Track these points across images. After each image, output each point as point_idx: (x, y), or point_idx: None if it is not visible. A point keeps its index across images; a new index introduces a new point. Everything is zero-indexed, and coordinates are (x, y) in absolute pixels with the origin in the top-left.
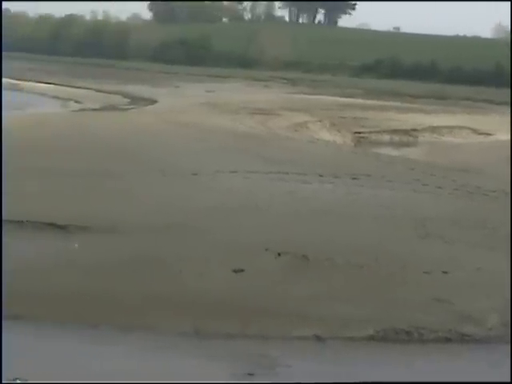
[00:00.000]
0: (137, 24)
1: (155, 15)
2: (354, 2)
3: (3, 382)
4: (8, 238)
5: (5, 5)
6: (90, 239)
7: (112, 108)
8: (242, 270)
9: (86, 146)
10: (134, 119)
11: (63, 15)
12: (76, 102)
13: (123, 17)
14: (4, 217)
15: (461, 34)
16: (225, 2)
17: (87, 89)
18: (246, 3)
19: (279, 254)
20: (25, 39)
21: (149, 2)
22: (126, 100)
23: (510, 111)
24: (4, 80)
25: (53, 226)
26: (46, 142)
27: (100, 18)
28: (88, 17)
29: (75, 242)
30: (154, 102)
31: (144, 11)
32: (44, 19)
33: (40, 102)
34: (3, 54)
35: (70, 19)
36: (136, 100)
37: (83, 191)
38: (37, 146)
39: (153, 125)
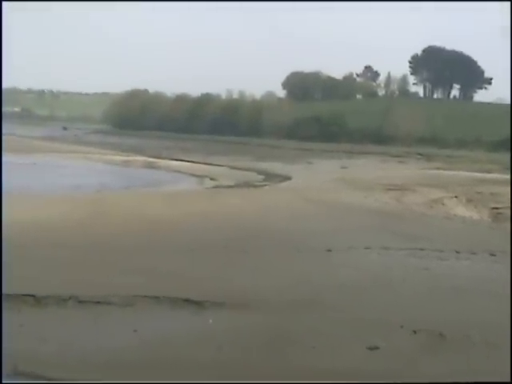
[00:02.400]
0: (271, 102)
1: (289, 93)
2: (490, 77)
3: (3, 382)
4: (145, 313)
5: (143, 85)
6: (225, 315)
7: (246, 185)
8: (377, 348)
9: (221, 222)
10: (268, 196)
11: (199, 94)
12: (211, 179)
13: (258, 95)
14: (141, 293)
15: None
16: (358, 79)
17: (222, 166)
18: (380, 80)
19: (415, 332)
20: (163, 118)
21: (283, 81)
22: (260, 177)
23: None
24: (142, 158)
25: (188, 301)
26: (182, 218)
27: (235, 96)
28: (223, 96)
29: (210, 317)
30: (287, 178)
31: (278, 89)
32: (181, 98)
33: (176, 179)
34: (143, 132)
35: (206, 98)
36: (270, 177)
37: (219, 267)
38: (173, 222)
39: (287, 201)
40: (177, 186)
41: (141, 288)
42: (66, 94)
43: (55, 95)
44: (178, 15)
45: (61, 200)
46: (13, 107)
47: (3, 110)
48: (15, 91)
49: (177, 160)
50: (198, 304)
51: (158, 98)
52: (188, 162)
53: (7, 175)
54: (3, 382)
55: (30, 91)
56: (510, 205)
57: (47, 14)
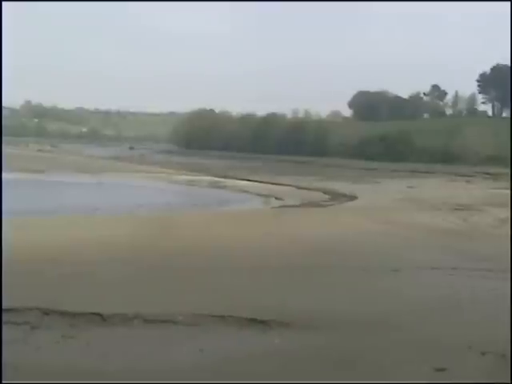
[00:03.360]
0: (337, 121)
1: (355, 112)
2: None
3: (3, 382)
4: (210, 332)
5: (209, 104)
6: (291, 335)
7: (312, 204)
8: (444, 369)
9: (286, 241)
10: (334, 215)
11: (265, 114)
12: (277, 198)
13: (324, 114)
14: (207, 312)
15: None
16: (425, 98)
17: (288, 185)
18: (447, 99)
19: (483, 354)
20: (229, 138)
21: (349, 100)
22: (327, 196)
23: None
24: (208, 178)
25: (254, 321)
26: (247, 238)
27: (301, 115)
28: (289, 115)
29: (275, 337)
30: (354, 198)
31: (344, 108)
32: (246, 118)
33: (242, 198)
34: (209, 152)
35: (272, 117)
36: (336, 196)
37: (285, 287)
38: (238, 241)
39: (353, 221)
40: (242, 205)
41: (206, 307)
42: (132, 114)
43: (122, 115)
44: (245, 37)
45: (127, 219)
46: (80, 127)
47: (71, 130)
48: (82, 111)
49: (242, 179)
50: (263, 323)
51: (223, 117)
52: (254, 181)
53: (75, 195)
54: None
55: (97, 111)
56: None
57: (111, 35)
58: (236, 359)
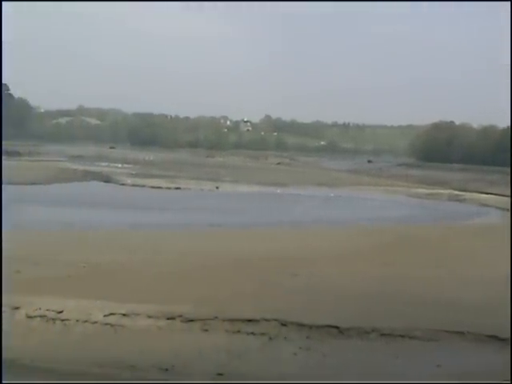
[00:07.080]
0: None
1: None
2: None
3: (3, 382)
4: (448, 348)
5: (449, 117)
6: None
7: None
8: None
9: None
10: None
11: (506, 126)
12: None
13: None
14: (445, 327)
15: None
16: None
17: None
18: None
19: None
20: (469, 150)
21: None
22: None
23: None
24: (447, 191)
25: (494, 338)
26: (485, 253)
27: None
28: None
29: None
30: None
31: None
32: (488, 130)
33: (481, 212)
34: (448, 165)
35: None
36: None
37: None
38: (475, 257)
39: None
40: (482, 219)
41: (444, 322)
42: (370, 127)
43: (360, 128)
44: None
45: (363, 232)
46: (318, 141)
47: (309, 143)
48: (320, 125)
49: (483, 193)
50: (503, 341)
51: (463, 129)
52: (495, 194)
53: (313, 208)
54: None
55: (334, 124)
56: None
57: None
58: (474, 376)
